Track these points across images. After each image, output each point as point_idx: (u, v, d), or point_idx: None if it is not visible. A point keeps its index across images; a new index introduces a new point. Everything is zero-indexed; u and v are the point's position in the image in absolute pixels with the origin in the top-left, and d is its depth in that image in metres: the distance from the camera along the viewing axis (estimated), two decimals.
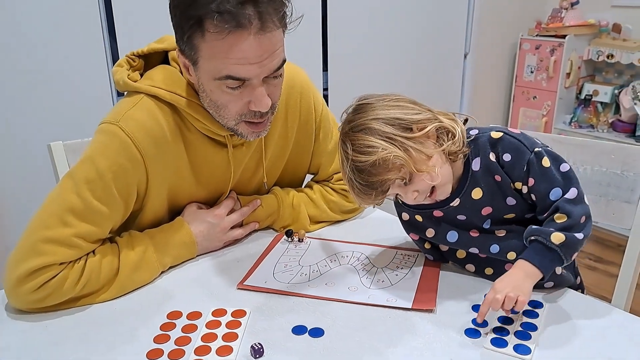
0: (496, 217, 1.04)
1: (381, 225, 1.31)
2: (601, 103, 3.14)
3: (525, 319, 0.94)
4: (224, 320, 0.94)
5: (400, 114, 0.94)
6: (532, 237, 0.95)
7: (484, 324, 0.93)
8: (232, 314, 0.95)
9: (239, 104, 1.02)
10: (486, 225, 1.04)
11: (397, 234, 1.22)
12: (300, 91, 1.24)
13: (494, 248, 1.04)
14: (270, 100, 1.02)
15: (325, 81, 2.60)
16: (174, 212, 1.18)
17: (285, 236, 1.24)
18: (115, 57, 1.91)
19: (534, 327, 0.92)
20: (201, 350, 0.86)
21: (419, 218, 1.08)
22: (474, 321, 0.94)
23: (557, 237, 0.92)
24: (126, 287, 1.04)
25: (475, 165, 1.01)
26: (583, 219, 0.95)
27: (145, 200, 1.10)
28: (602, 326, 0.92)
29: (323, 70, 2.58)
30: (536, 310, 0.96)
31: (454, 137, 0.97)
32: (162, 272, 1.10)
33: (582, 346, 0.87)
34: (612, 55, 3.02)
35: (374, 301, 0.99)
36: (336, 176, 1.33)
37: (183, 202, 1.18)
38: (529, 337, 0.89)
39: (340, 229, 1.30)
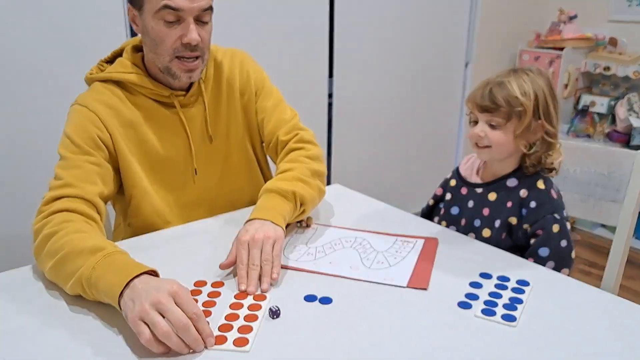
0: (483, 222, 1.33)
1: (385, 217, 1.42)
2: (598, 114, 3.24)
3: (513, 295, 1.04)
4: None
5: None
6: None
7: (475, 297, 1.04)
8: None
9: (173, 38, 1.23)
10: (476, 224, 1.34)
11: (399, 225, 1.33)
12: (241, 60, 1.46)
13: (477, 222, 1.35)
14: (199, 37, 1.23)
15: (330, 87, 2.68)
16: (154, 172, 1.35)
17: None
18: None
19: (520, 301, 1.02)
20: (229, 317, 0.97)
21: (447, 196, 1.43)
22: (466, 295, 1.04)
23: None
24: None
25: (512, 182, 1.31)
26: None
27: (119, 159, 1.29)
28: (585, 304, 1.01)
29: (329, 77, 2.67)
30: (523, 287, 1.07)
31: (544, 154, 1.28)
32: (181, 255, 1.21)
33: (563, 319, 0.96)
34: (608, 68, 3.13)
35: (373, 279, 1.09)
36: (296, 138, 1.43)
37: (157, 162, 1.35)
38: (515, 309, 1.00)
39: (346, 219, 1.40)
